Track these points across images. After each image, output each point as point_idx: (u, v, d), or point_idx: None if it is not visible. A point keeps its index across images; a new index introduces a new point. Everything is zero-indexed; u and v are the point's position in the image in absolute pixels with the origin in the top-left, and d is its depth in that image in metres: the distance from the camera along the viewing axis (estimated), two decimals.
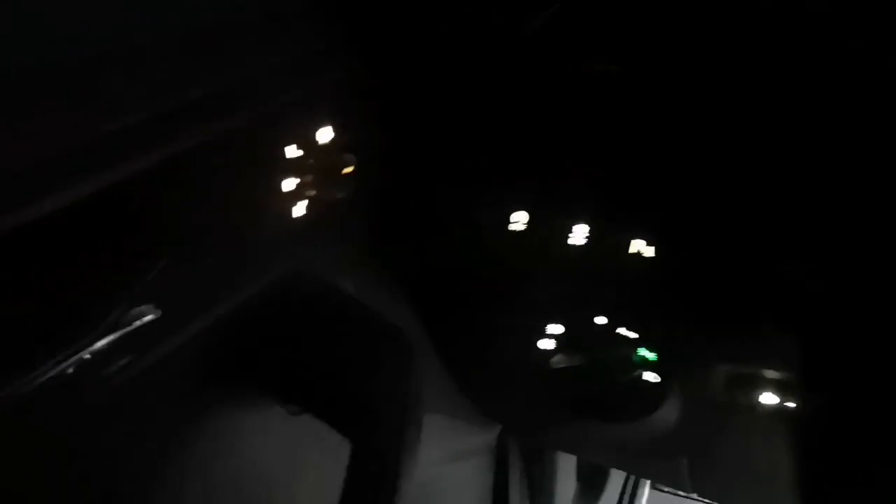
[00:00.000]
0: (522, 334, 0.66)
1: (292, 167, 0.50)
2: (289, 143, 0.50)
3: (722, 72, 0.56)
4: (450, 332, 0.67)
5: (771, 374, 0.58)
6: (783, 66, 0.53)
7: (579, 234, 0.62)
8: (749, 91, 0.55)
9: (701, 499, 0.80)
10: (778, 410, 0.58)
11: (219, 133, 0.45)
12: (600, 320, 0.64)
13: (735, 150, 0.55)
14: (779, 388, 0.58)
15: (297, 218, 0.51)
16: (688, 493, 0.75)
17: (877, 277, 0.51)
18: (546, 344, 0.66)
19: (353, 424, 0.55)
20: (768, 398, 0.58)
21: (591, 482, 0.90)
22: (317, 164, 0.52)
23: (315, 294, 0.55)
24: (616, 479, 0.92)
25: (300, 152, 0.51)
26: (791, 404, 0.58)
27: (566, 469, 0.86)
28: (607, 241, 0.61)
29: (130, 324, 0.44)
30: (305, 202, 0.52)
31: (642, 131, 0.59)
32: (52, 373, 0.40)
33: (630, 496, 0.94)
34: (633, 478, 0.95)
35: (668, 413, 0.64)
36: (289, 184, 0.51)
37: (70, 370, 0.41)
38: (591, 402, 0.66)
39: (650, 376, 0.64)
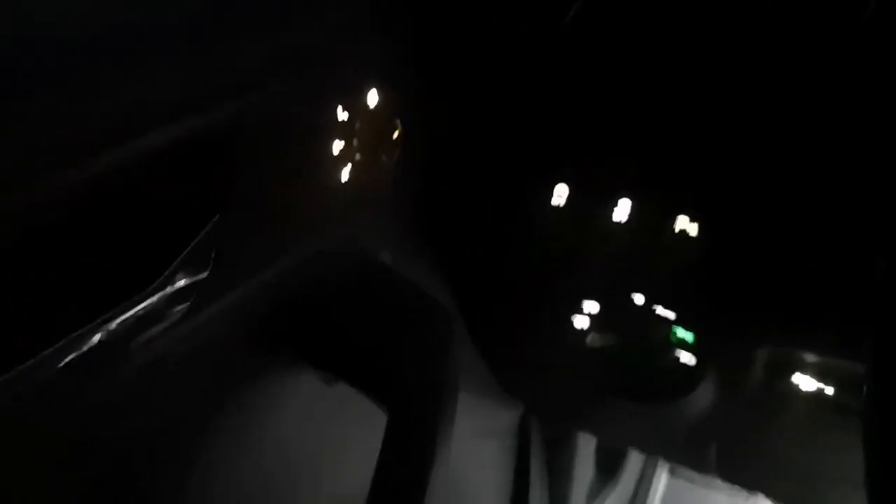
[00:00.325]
0: (558, 312, 0.65)
1: (339, 133, 0.49)
2: (336, 110, 0.49)
3: (772, 52, 0.55)
4: (484, 308, 0.67)
5: (815, 361, 0.57)
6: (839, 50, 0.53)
7: (620, 213, 0.61)
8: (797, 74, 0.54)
9: (722, 485, 0.79)
10: (819, 400, 0.57)
11: (265, 100, 0.44)
12: (638, 299, 0.64)
13: (786, 130, 0.55)
14: (823, 377, 0.57)
15: (343, 185, 0.50)
16: (713, 477, 0.74)
17: None
18: (581, 322, 0.65)
19: (391, 394, 0.54)
20: (810, 386, 0.58)
21: (608, 468, 0.90)
22: (363, 130, 0.51)
23: (357, 264, 0.54)
24: (633, 465, 0.92)
25: (347, 118, 0.50)
26: (836, 395, 0.57)
27: (585, 454, 0.86)
28: (648, 219, 0.60)
29: (176, 286, 0.43)
30: (351, 168, 0.51)
31: (686, 113, 0.59)
32: (101, 334, 0.39)
33: (647, 482, 0.94)
34: (650, 464, 0.95)
35: (703, 397, 0.64)
36: (335, 150, 0.50)
37: (118, 331, 0.40)
38: (623, 382, 0.65)
39: (686, 357, 0.63)
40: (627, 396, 0.66)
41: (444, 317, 0.56)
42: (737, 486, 0.73)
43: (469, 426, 0.74)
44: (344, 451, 0.61)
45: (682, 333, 0.63)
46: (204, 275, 0.44)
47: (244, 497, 0.53)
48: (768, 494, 0.69)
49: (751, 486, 0.72)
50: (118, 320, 0.39)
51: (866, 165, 0.54)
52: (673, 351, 0.63)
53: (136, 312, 0.40)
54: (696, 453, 0.69)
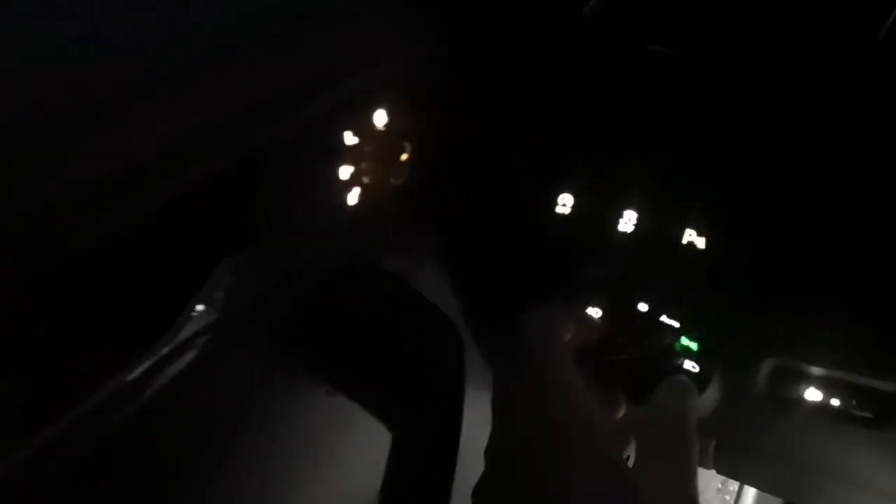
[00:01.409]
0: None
1: (351, 155, 0.51)
2: (347, 132, 0.51)
3: (785, 54, 0.54)
4: (490, 316, 0.68)
5: (820, 371, 0.57)
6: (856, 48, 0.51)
7: (625, 220, 0.62)
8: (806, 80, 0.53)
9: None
10: (824, 409, 0.57)
11: (282, 125, 0.46)
12: (643, 307, 0.64)
13: (796, 137, 0.54)
14: (828, 386, 0.57)
15: (355, 206, 0.52)
16: (707, 469, 0.75)
17: None
18: None
19: (399, 407, 0.57)
20: (814, 395, 0.58)
21: None
22: (374, 151, 0.53)
23: (371, 282, 0.56)
24: None
25: (358, 140, 0.51)
26: (839, 404, 0.57)
27: None
28: (653, 226, 0.60)
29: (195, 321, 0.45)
30: (362, 189, 0.53)
31: (698, 116, 0.59)
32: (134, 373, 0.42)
33: None
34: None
35: (706, 405, 0.64)
36: (347, 171, 0.52)
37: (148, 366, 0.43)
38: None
39: (690, 366, 0.64)
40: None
41: (450, 330, 0.58)
42: (732, 479, 0.73)
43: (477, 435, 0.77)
44: (352, 459, 0.63)
45: (686, 342, 0.64)
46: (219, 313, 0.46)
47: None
48: (766, 489, 0.70)
49: (748, 480, 0.72)
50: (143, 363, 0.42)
51: (873, 178, 0.53)
52: (678, 359, 0.64)
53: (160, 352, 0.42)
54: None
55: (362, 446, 0.64)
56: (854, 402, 0.57)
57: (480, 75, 0.58)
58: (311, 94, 0.46)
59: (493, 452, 0.41)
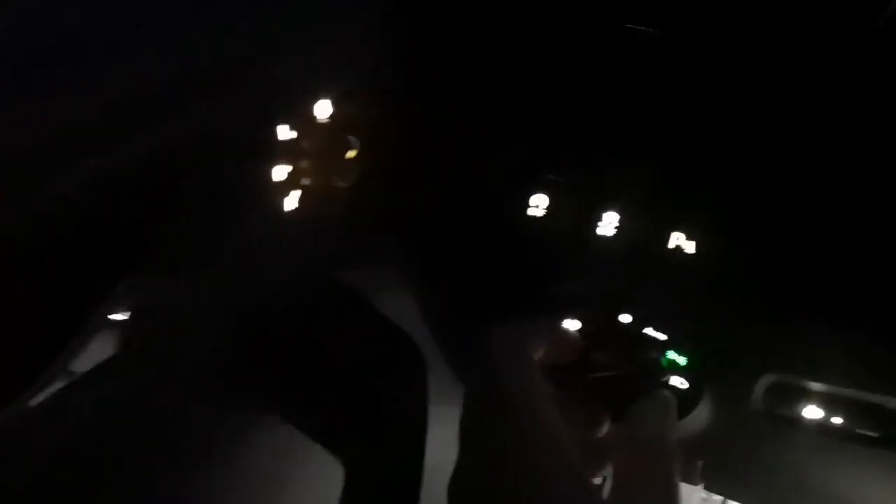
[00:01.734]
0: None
1: (287, 153, 0.43)
2: (281, 125, 0.43)
3: (783, 44, 0.49)
4: (460, 327, 0.62)
5: (821, 388, 0.52)
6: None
7: (607, 227, 0.56)
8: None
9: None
10: (825, 430, 0.53)
11: (208, 115, 0.38)
12: (625, 318, 0.59)
13: (796, 133, 0.49)
14: (828, 405, 0.53)
15: (294, 211, 0.44)
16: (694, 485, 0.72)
17: None
18: None
19: (356, 433, 0.50)
20: (813, 414, 0.53)
21: None
22: (315, 148, 0.45)
23: (316, 297, 0.49)
24: None
25: (296, 135, 0.43)
26: (842, 425, 0.53)
27: None
28: (638, 235, 0.55)
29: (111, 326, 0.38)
30: (303, 192, 0.45)
31: (686, 106, 0.53)
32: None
33: None
34: None
35: (693, 422, 0.59)
36: (283, 172, 0.44)
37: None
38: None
39: (678, 382, 0.59)
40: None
41: (415, 351, 0.51)
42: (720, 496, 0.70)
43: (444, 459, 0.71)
44: (310, 485, 0.57)
45: (674, 356, 0.58)
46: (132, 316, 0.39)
47: None
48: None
49: (742, 501, 0.68)
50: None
51: (874, 180, 0.49)
52: (664, 375, 0.59)
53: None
54: (681, 466, 0.65)
55: (318, 476, 0.57)
56: (858, 420, 0.53)
57: (439, 58, 0.51)
58: (233, 80, 0.38)
59: (459, 478, 0.39)
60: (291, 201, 0.45)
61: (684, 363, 0.58)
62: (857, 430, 0.53)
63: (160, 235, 0.37)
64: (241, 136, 0.42)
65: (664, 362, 0.59)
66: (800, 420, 0.55)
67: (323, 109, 0.46)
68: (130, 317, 0.40)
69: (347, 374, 0.49)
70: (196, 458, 0.47)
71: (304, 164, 0.45)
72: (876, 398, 0.52)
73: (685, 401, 0.59)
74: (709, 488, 0.71)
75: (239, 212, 0.43)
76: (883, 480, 0.54)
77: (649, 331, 0.58)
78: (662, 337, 0.58)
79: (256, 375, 0.51)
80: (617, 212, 0.55)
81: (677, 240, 0.55)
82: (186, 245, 0.39)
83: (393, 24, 0.49)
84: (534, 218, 0.57)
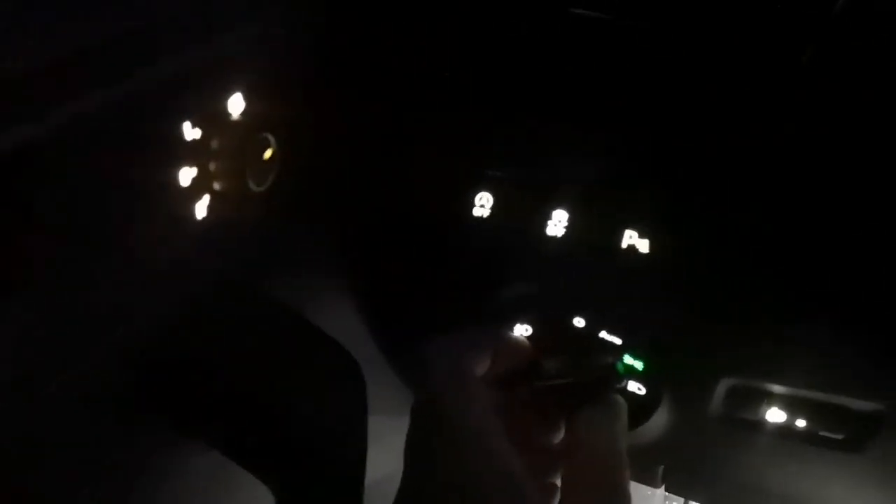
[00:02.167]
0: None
1: (193, 154, 0.38)
2: (185, 121, 0.37)
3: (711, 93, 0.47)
4: (400, 337, 0.57)
5: (783, 391, 0.50)
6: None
7: (557, 228, 0.52)
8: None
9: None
10: (788, 433, 0.51)
11: (98, 105, 0.32)
12: (578, 322, 0.56)
13: (759, 131, 0.46)
14: (791, 407, 0.50)
15: (204, 220, 0.39)
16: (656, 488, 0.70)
17: None
18: None
19: (288, 463, 0.46)
20: (776, 417, 0.51)
21: None
22: (226, 147, 0.40)
23: (231, 310, 0.44)
24: None
25: (202, 133, 0.38)
26: (806, 427, 0.51)
27: None
28: (590, 235, 0.52)
29: None
30: (212, 198, 0.40)
31: (638, 95, 0.50)
32: None
33: None
34: None
35: (652, 429, 0.57)
36: (189, 175, 0.39)
37: None
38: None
39: (636, 388, 0.56)
40: None
41: (346, 367, 0.46)
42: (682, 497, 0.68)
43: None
44: None
45: (630, 360, 0.56)
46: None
47: None
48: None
49: (695, 497, 0.67)
50: None
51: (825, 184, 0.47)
52: (620, 381, 0.56)
53: None
54: (641, 470, 0.63)
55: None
56: (822, 422, 0.52)
57: (367, 46, 0.46)
58: (129, 71, 0.33)
59: (402, 494, 0.38)
60: (200, 208, 0.40)
61: (641, 368, 0.56)
62: (821, 433, 0.51)
63: (30, 247, 0.32)
64: (137, 135, 0.36)
65: (621, 367, 0.56)
66: (762, 423, 0.52)
67: (235, 105, 0.41)
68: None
69: (269, 400, 0.45)
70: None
71: (214, 165, 0.40)
72: (840, 399, 0.50)
73: (644, 406, 0.57)
74: (670, 491, 0.69)
75: (138, 220, 0.38)
76: (846, 482, 0.53)
77: (604, 335, 0.56)
78: (618, 341, 0.55)
79: (161, 404, 0.46)
80: (566, 210, 0.51)
81: (630, 238, 0.51)
82: (61, 259, 0.34)
83: (314, 9, 0.45)
84: (476, 218, 0.53)
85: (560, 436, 0.49)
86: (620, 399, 0.46)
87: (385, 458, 0.54)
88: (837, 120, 0.45)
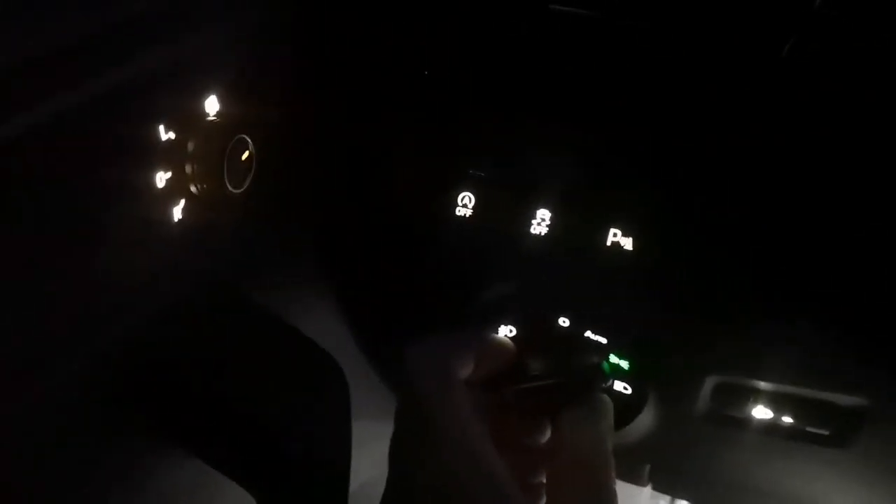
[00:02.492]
0: None
1: (169, 155, 0.37)
2: (159, 123, 0.37)
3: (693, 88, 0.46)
4: (383, 339, 0.57)
5: (769, 388, 0.50)
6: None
7: (541, 220, 0.52)
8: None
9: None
10: (774, 429, 0.51)
11: (71, 107, 0.32)
12: (563, 322, 0.55)
13: (742, 127, 0.46)
14: (777, 404, 0.50)
15: (181, 223, 0.38)
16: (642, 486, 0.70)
17: None
18: None
19: (269, 471, 0.45)
20: (762, 414, 0.51)
21: None
22: (202, 149, 0.39)
23: (210, 313, 0.43)
24: None
25: (176, 135, 0.37)
26: (792, 423, 0.50)
27: None
28: (574, 226, 0.51)
29: None
30: (188, 201, 0.39)
31: (623, 90, 0.50)
32: None
33: None
34: None
35: (638, 427, 0.56)
36: (164, 178, 0.38)
37: None
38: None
39: (622, 387, 0.55)
40: None
41: (335, 374, 0.46)
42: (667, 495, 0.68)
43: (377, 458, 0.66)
44: None
45: (616, 360, 0.55)
46: None
47: None
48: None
49: (682, 495, 0.67)
50: None
51: (809, 181, 0.47)
52: (606, 380, 0.55)
53: None
54: (628, 469, 0.63)
55: None
56: (808, 418, 0.51)
57: (346, 45, 0.46)
58: (99, 69, 0.32)
59: (387, 498, 0.38)
60: (177, 211, 0.39)
61: (627, 367, 0.55)
62: (807, 429, 0.51)
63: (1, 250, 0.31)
64: (112, 137, 0.35)
65: (606, 367, 0.55)
66: (748, 420, 0.52)
67: (211, 106, 0.40)
68: None
69: (255, 401, 0.44)
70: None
71: (190, 168, 0.39)
72: (826, 395, 0.49)
73: (630, 405, 0.56)
74: (657, 489, 0.69)
75: (113, 224, 0.37)
76: (833, 478, 0.53)
77: (589, 334, 0.55)
78: (603, 340, 0.55)
79: (139, 407, 0.45)
80: (549, 209, 0.51)
81: (615, 236, 0.51)
82: (35, 263, 0.33)
83: (290, 10, 0.44)
84: (459, 218, 0.52)
85: (546, 436, 0.49)
86: (606, 398, 0.46)
87: (369, 462, 0.53)
88: (818, 114, 0.45)
